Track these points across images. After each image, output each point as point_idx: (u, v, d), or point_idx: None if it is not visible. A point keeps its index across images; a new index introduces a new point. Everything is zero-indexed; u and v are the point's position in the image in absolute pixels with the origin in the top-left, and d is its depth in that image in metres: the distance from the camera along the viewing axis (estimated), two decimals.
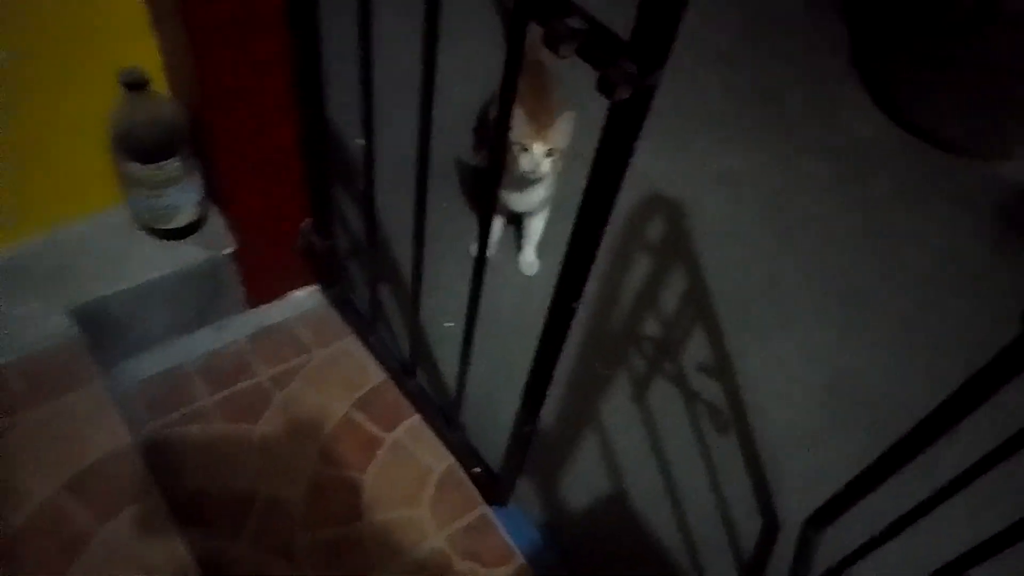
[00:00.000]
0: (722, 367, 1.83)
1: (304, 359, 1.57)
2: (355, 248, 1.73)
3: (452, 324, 1.67)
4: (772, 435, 1.72)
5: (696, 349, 1.85)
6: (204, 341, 1.54)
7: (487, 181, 1.00)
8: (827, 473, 1.45)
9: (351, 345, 1.61)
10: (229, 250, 1.44)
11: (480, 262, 1.08)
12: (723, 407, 1.76)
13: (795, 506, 1.57)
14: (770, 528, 1.58)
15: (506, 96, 0.86)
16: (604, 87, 0.66)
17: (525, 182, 1.68)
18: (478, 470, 1.44)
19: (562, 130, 1.61)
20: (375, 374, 1.58)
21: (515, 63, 0.82)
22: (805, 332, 1.93)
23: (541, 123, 1.62)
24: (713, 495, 1.61)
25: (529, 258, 1.91)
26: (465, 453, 1.46)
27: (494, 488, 1.43)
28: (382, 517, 1.40)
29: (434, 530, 1.40)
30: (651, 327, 1.88)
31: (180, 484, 1.37)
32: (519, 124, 1.60)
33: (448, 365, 1.60)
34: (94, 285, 1.34)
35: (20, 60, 1.15)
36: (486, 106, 1.99)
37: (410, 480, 1.45)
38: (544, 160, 1.61)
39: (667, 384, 1.78)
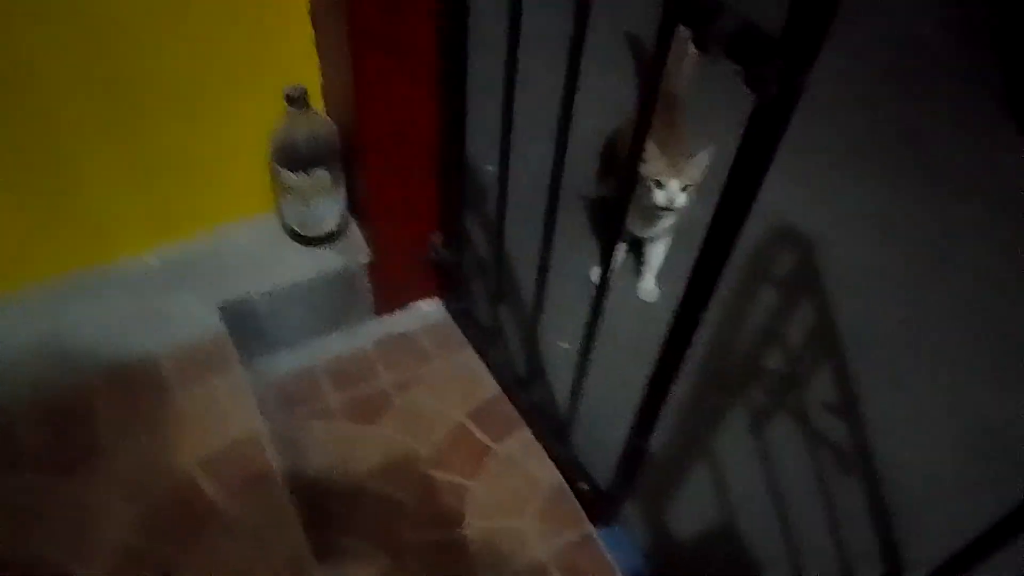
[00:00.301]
0: (850, 408, 1.74)
1: (424, 367, 1.64)
2: (479, 265, 1.79)
3: (567, 346, 1.69)
4: (902, 483, 1.62)
5: (822, 388, 1.78)
6: (334, 345, 1.64)
7: (614, 211, 1.03)
8: (962, 529, 1.34)
9: (469, 357, 1.66)
10: (365, 259, 1.54)
11: (602, 288, 1.11)
12: (849, 449, 1.68)
13: (922, 558, 1.46)
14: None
15: (644, 116, 0.89)
16: (754, 83, 0.68)
17: (654, 213, 1.70)
18: (585, 487, 1.44)
19: (699, 165, 1.63)
20: (490, 386, 1.62)
21: (658, 70, 0.85)
22: (948, 379, 1.81)
23: (674, 156, 1.63)
24: (831, 538, 1.53)
25: (649, 285, 1.90)
26: (573, 470, 1.46)
27: (601, 507, 1.42)
28: (487, 525, 1.42)
29: (537, 543, 1.41)
30: (774, 361, 1.82)
31: (302, 475, 1.45)
32: (654, 159, 1.62)
33: (561, 383, 1.61)
34: (243, 284, 1.47)
35: (200, 76, 1.29)
36: (613, 136, 2.02)
37: (517, 492, 1.47)
38: (679, 195, 1.64)
39: (788, 420, 1.71)
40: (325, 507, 1.42)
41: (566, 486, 1.48)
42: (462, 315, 1.69)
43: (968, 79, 2.62)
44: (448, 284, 1.67)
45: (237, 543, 1.18)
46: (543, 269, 1.28)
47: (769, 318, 1.89)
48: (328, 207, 1.44)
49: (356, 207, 1.54)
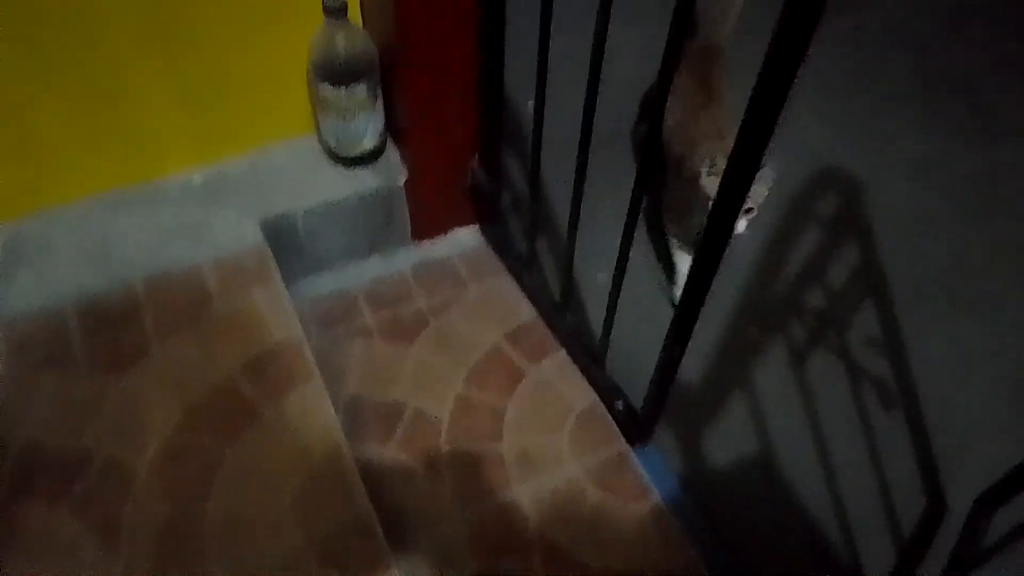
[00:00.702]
0: (893, 345, 1.71)
1: (461, 292, 1.65)
2: (516, 195, 1.79)
3: (605, 276, 1.68)
4: (947, 420, 1.58)
5: (865, 326, 1.74)
6: (372, 268, 1.66)
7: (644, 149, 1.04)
8: (1008, 465, 1.32)
9: (506, 284, 1.67)
10: (402, 180, 1.54)
11: (633, 214, 1.14)
12: (891, 385, 1.65)
13: (967, 493, 1.43)
14: (936, 511, 1.45)
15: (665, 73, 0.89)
16: None
17: (703, 208, 1.40)
18: (620, 407, 1.44)
19: (765, 181, 1.38)
20: (526, 312, 1.62)
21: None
22: (995, 318, 1.76)
23: (717, 124, 1.44)
24: (872, 472, 1.51)
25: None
26: (608, 390, 1.46)
27: (635, 426, 1.42)
28: (522, 441, 1.43)
29: (571, 459, 1.42)
30: (816, 299, 1.79)
31: (340, 392, 1.47)
32: (705, 133, 1.41)
33: (597, 309, 1.60)
34: (283, 201, 1.49)
35: None
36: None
37: (552, 411, 1.48)
38: (742, 220, 1.37)
39: (829, 356, 1.68)
40: (362, 420, 1.44)
41: (601, 407, 1.49)
42: (499, 243, 1.69)
43: (1017, 18, 2.53)
44: (486, 213, 1.68)
45: (276, 442, 1.20)
46: (578, 186, 1.28)
47: (812, 258, 1.85)
48: (366, 123, 1.45)
49: (394, 130, 1.55)
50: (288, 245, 1.50)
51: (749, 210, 1.41)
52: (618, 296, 1.34)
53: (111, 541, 1.09)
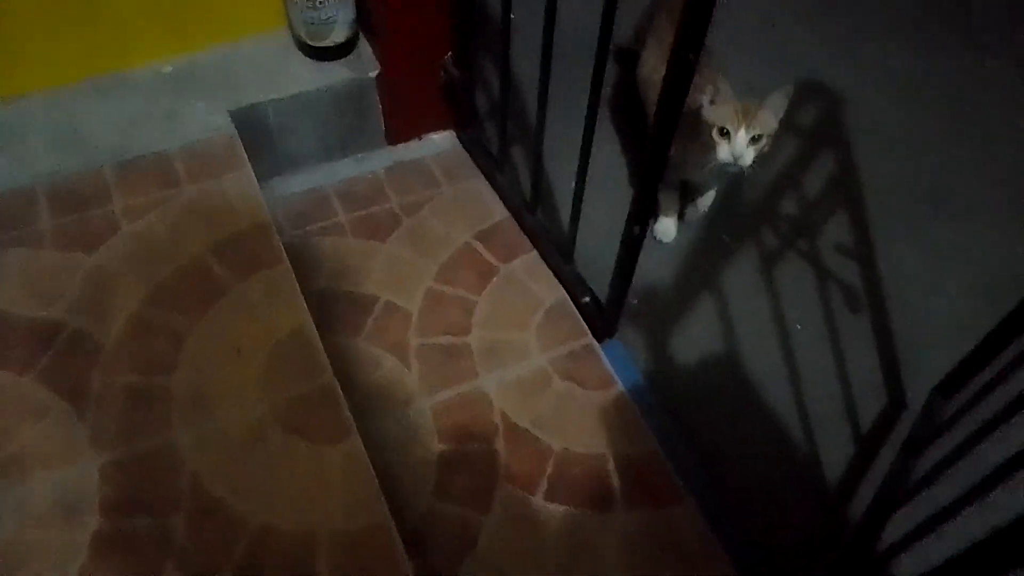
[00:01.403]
0: (865, 253, 1.72)
1: (434, 192, 1.65)
2: (489, 96, 1.78)
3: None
4: (913, 323, 1.60)
5: (838, 234, 1.75)
6: (345, 168, 1.66)
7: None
8: None
9: (479, 185, 1.67)
10: (374, 73, 1.53)
11: (592, 108, 1.15)
12: (860, 290, 1.66)
13: (927, 392, 1.46)
14: (895, 407, 1.48)
15: None
16: None
17: (714, 165, 1.42)
18: (587, 300, 1.46)
19: (775, 107, 1.37)
20: (498, 212, 1.63)
21: None
22: (966, 226, 1.77)
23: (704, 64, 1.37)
24: (836, 372, 1.53)
25: (668, 226, 1.67)
26: (575, 285, 1.48)
27: (600, 319, 1.44)
28: (490, 334, 1.45)
29: (538, 352, 1.44)
30: (790, 208, 1.80)
31: (311, 285, 1.49)
32: (722, 98, 1.37)
33: (567, 209, 1.62)
34: (253, 92, 1.48)
35: None
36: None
37: (520, 307, 1.49)
38: (748, 150, 1.37)
39: (800, 262, 1.70)
40: (333, 312, 1.46)
41: (568, 302, 1.50)
42: (473, 146, 1.69)
43: None
44: (460, 115, 1.67)
45: (242, 315, 1.22)
46: (543, 95, 1.29)
47: (789, 168, 1.86)
48: (338, 12, 1.44)
49: (366, 25, 1.54)
50: (260, 139, 1.50)
51: (757, 139, 1.37)
52: (582, 192, 1.34)
53: (79, 408, 1.12)
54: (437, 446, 1.32)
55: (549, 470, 1.30)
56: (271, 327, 1.21)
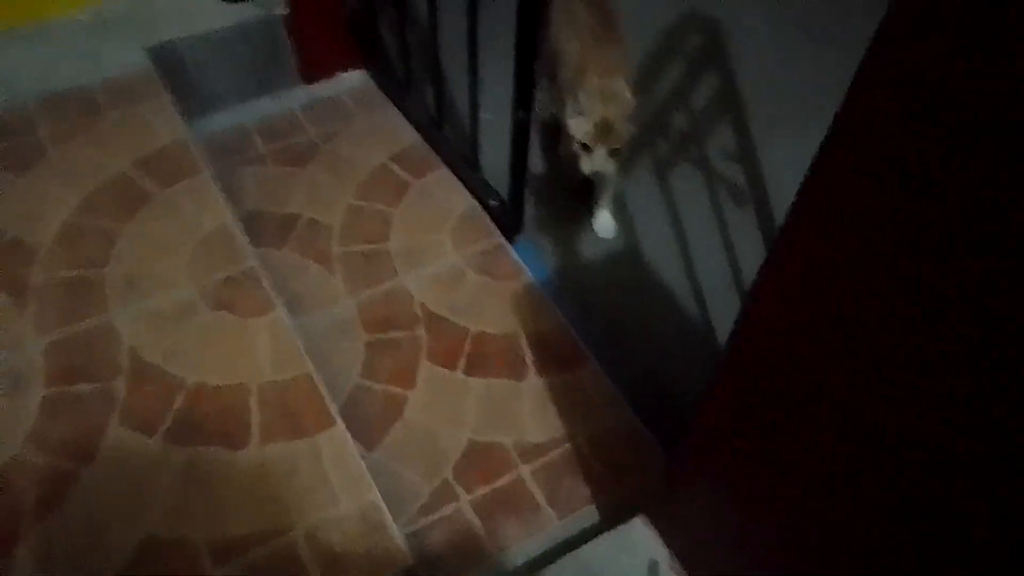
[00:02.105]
0: (748, 156, 1.89)
1: (349, 124, 1.77)
2: (391, 28, 1.89)
3: (490, 116, 1.81)
4: None
5: (723, 141, 1.92)
6: (263, 107, 1.77)
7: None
8: None
9: (390, 114, 1.80)
10: (280, 11, 1.65)
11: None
12: (744, 187, 1.83)
13: None
14: None
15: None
16: None
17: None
18: (494, 203, 1.59)
19: (621, 102, 1.41)
20: (409, 136, 1.76)
21: None
22: None
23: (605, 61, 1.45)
24: (724, 254, 1.69)
25: (604, 219, 1.69)
26: (483, 189, 1.62)
27: (508, 217, 1.57)
28: (407, 239, 1.57)
29: (452, 251, 1.57)
30: (678, 122, 1.96)
31: (237, 208, 1.59)
32: (585, 110, 1.40)
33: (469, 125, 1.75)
34: (167, 31, 1.59)
35: None
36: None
37: (434, 214, 1.62)
38: (608, 162, 1.45)
39: (690, 168, 1.86)
40: (259, 230, 1.56)
41: (478, 208, 1.64)
42: (381, 77, 1.82)
43: None
44: (365, 49, 1.80)
45: (168, 219, 1.32)
46: (432, 16, 1.45)
47: (675, 87, 2.03)
48: None
49: None
50: (179, 78, 1.60)
51: (616, 151, 1.44)
52: (477, 101, 1.48)
53: (18, 300, 1.20)
54: (363, 335, 1.43)
55: (467, 349, 1.43)
56: (195, 225, 1.32)
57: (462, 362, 1.41)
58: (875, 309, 0.58)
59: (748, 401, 0.77)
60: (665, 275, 1.64)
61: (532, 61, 1.27)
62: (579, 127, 1.42)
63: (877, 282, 0.57)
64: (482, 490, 1.26)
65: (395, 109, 1.80)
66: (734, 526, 0.90)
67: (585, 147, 1.43)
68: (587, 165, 1.44)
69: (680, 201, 1.79)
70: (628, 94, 1.42)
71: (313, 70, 1.78)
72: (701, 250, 1.69)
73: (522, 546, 1.21)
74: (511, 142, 1.41)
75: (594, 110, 1.39)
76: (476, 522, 1.22)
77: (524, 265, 1.57)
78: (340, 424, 1.12)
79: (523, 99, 1.32)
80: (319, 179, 1.67)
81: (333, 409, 1.13)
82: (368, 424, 1.31)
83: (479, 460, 1.29)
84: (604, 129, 1.40)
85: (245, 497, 1.04)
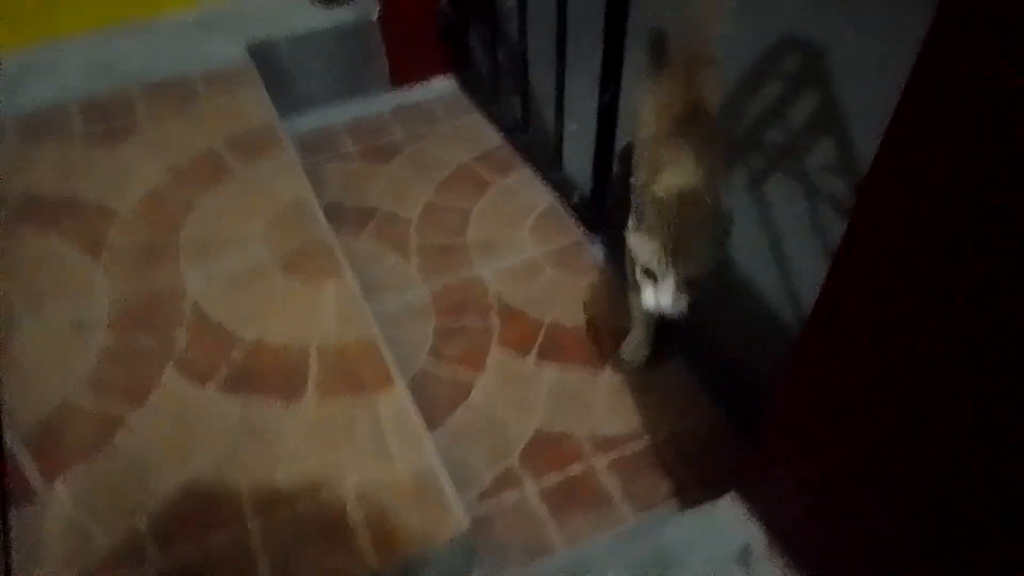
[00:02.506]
0: (849, 169, 1.78)
1: (435, 126, 1.77)
2: (482, 36, 1.91)
3: (575, 127, 1.78)
4: None
5: (822, 156, 1.82)
6: (352, 109, 1.80)
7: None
8: None
9: (477, 120, 1.79)
10: (376, 15, 1.69)
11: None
12: (847, 198, 1.72)
13: None
14: None
15: None
16: None
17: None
18: (576, 198, 1.54)
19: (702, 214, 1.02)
20: (494, 140, 1.74)
21: None
22: None
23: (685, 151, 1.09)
24: (818, 252, 1.57)
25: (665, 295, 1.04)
26: (565, 186, 1.56)
27: (590, 212, 1.51)
28: (485, 235, 1.53)
29: (531, 246, 1.51)
30: (775, 136, 1.88)
31: (322, 197, 1.59)
32: (666, 157, 1.08)
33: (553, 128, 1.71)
34: (266, 30, 1.64)
35: None
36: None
37: (514, 211, 1.58)
38: (678, 298, 1.01)
39: (787, 180, 1.76)
40: (338, 219, 1.55)
41: (559, 206, 1.58)
42: (470, 83, 1.82)
43: None
44: (457, 56, 1.81)
45: (248, 189, 1.33)
46: (522, 23, 1.46)
47: (773, 104, 1.95)
48: None
49: None
50: (275, 76, 1.65)
51: (692, 281, 1.02)
52: (563, 100, 1.45)
53: (95, 255, 1.21)
54: (433, 321, 1.38)
55: (541, 338, 1.35)
56: (274, 197, 1.31)
57: (535, 350, 1.32)
58: (948, 286, 0.58)
59: (834, 368, 0.73)
60: (751, 271, 1.53)
61: (622, 36, 1.23)
62: (642, 247, 1.02)
63: (951, 259, 0.58)
64: (550, 479, 1.15)
65: (480, 115, 1.79)
66: (833, 501, 0.77)
67: (649, 274, 1.03)
68: (650, 299, 1.03)
69: (776, 213, 1.68)
70: (713, 200, 1.04)
71: (403, 75, 1.80)
72: (791, 249, 1.57)
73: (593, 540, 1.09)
74: (596, 130, 1.36)
75: (662, 226, 1.00)
76: (542, 512, 1.11)
77: (605, 261, 1.49)
78: (402, 386, 1.05)
79: (609, 78, 1.27)
80: (401, 176, 1.66)
81: (396, 372, 1.07)
82: (431, 406, 1.24)
83: (548, 449, 1.19)
84: (678, 251, 0.99)
85: (297, 450, 0.98)
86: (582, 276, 1.46)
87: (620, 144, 1.43)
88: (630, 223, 1.06)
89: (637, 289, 1.09)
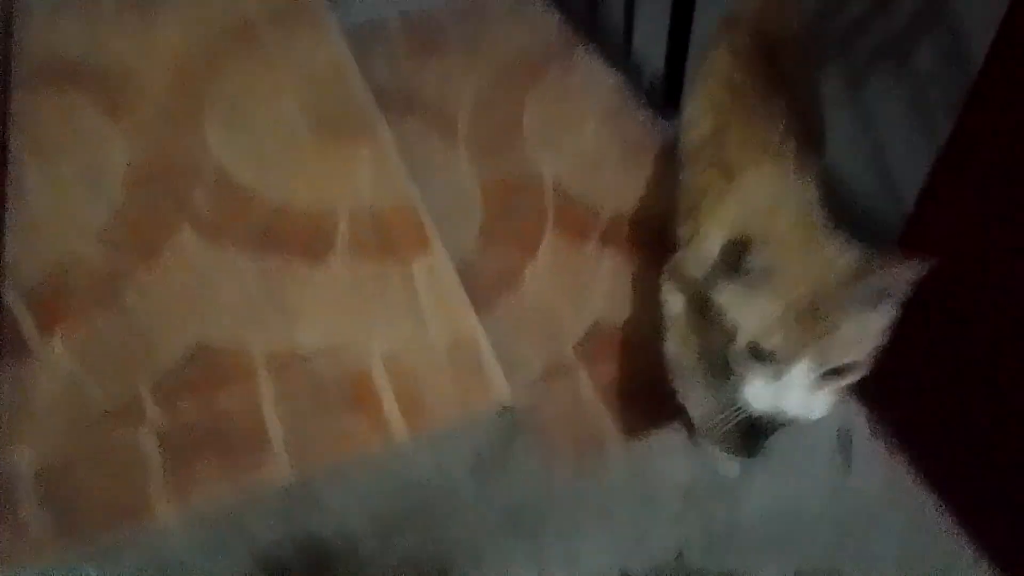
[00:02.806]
0: (960, 69, 1.56)
1: (492, 14, 1.62)
2: None
3: None
4: None
5: (931, 59, 1.60)
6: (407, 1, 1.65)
7: None
8: None
9: (539, 8, 1.63)
10: None
11: None
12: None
13: None
14: None
15: None
16: None
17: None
18: (648, 81, 1.38)
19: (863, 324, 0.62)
20: (556, 25, 1.58)
21: None
22: None
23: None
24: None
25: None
26: (636, 67, 1.41)
27: (665, 91, 1.34)
28: (543, 120, 1.38)
29: (593, 134, 1.36)
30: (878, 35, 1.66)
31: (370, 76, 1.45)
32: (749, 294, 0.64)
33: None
34: None
35: None
36: None
37: (576, 98, 1.43)
38: (818, 396, 0.63)
39: (890, 80, 1.56)
40: (382, 104, 1.41)
41: (626, 91, 1.42)
42: None
43: None
44: None
45: (285, 56, 1.21)
46: None
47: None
48: None
49: None
50: None
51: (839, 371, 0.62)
52: None
53: (114, 116, 1.11)
54: (481, 204, 1.24)
55: (604, 225, 1.20)
56: (312, 63, 1.19)
57: (595, 236, 1.18)
58: None
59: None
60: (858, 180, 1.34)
61: None
62: (748, 309, 0.64)
63: None
64: (608, 372, 1.01)
65: (543, 3, 1.62)
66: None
67: (760, 356, 0.62)
68: (762, 397, 0.64)
69: (879, 112, 1.48)
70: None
71: None
72: (901, 160, 1.37)
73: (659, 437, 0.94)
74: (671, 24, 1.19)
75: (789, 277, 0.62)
76: (599, 404, 0.97)
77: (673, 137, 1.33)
78: (440, 250, 0.92)
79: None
80: (453, 63, 1.51)
81: (434, 235, 0.93)
82: (477, 291, 1.10)
83: (607, 341, 1.04)
84: (821, 315, 0.60)
85: (320, 311, 0.86)
86: (651, 165, 1.29)
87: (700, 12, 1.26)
88: (662, 279, 0.71)
89: (703, 373, 0.71)
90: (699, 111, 0.90)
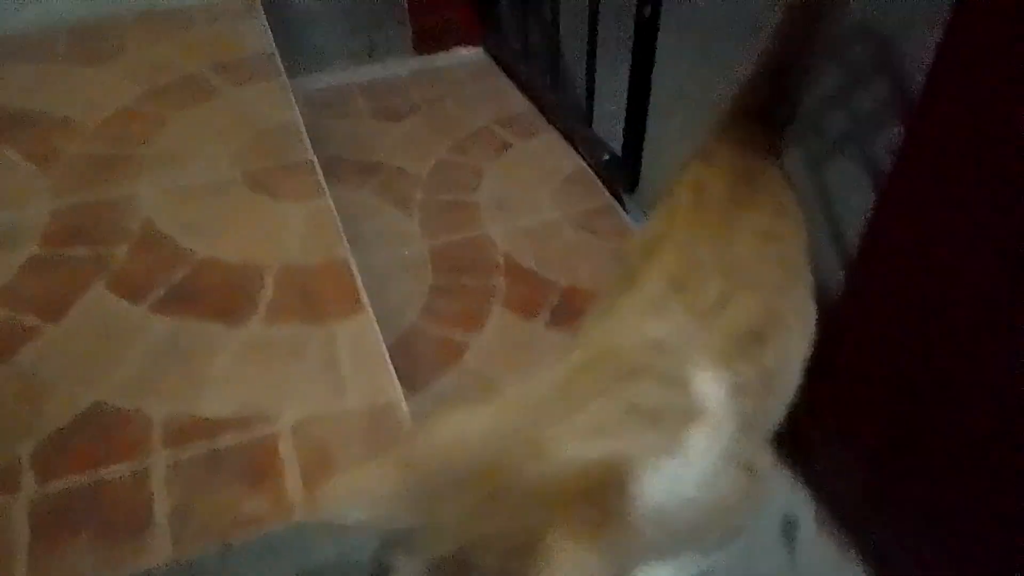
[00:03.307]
0: None
1: (457, 88, 1.61)
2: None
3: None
4: None
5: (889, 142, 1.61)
6: (371, 72, 1.65)
7: None
8: None
9: (502, 84, 1.63)
10: None
11: None
12: None
13: None
14: None
15: None
16: None
17: None
18: (606, 158, 1.35)
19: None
20: (520, 104, 1.57)
21: None
22: None
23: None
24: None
25: None
26: (595, 146, 1.38)
27: (621, 171, 1.32)
28: (499, 194, 1.35)
29: (550, 207, 1.32)
30: (839, 121, 1.67)
31: (322, 152, 1.43)
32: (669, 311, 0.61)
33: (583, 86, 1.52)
34: None
35: None
36: None
37: (535, 173, 1.40)
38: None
39: (850, 166, 1.55)
40: (339, 172, 1.38)
41: (587, 171, 1.40)
42: (497, 47, 1.67)
43: None
44: (485, 17, 1.66)
45: (230, 110, 1.17)
46: None
47: (838, 89, 1.75)
48: None
49: None
50: (288, 31, 1.51)
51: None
52: (595, 51, 1.28)
53: (43, 167, 1.07)
54: (430, 278, 1.19)
55: (554, 301, 1.15)
56: (258, 120, 1.16)
57: (545, 313, 1.12)
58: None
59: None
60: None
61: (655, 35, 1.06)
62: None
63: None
64: None
65: (507, 80, 1.63)
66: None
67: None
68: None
69: (837, 196, 1.47)
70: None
71: (427, 40, 1.66)
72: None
73: None
74: (632, 62, 1.18)
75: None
76: None
77: (634, 226, 1.29)
78: (368, 313, 0.86)
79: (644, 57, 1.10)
80: (415, 134, 1.49)
81: (363, 299, 0.88)
82: (417, 366, 1.04)
83: None
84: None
85: (231, 375, 0.79)
86: (608, 240, 1.26)
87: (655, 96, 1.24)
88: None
89: None
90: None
